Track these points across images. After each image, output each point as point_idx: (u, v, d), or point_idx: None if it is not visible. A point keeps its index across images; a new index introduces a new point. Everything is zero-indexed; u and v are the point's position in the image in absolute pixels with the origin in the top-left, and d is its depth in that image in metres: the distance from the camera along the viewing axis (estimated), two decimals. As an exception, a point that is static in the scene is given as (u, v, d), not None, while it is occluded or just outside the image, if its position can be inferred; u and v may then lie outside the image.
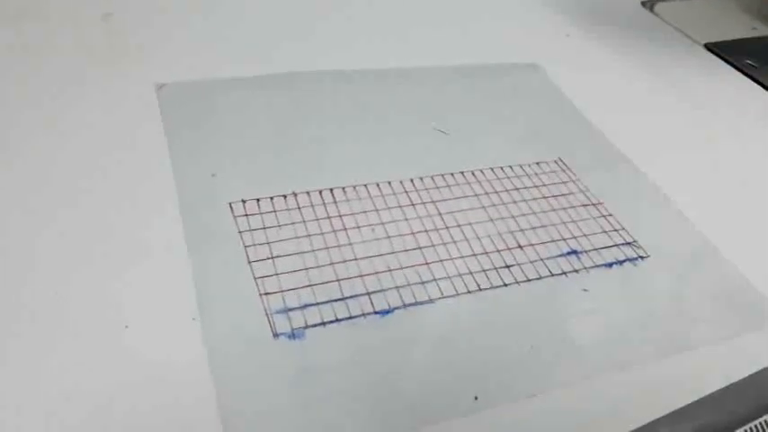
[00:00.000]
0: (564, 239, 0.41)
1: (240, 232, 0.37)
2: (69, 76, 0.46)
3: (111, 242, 0.35)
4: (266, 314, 0.33)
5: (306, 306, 0.34)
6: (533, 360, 0.34)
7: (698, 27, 0.70)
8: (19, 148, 0.40)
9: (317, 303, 0.34)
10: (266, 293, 0.34)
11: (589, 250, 0.40)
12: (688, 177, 0.48)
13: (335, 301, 0.35)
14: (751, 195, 0.48)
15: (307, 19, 0.58)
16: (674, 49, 0.67)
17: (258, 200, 0.39)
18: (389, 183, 0.42)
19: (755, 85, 0.62)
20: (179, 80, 0.47)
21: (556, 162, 0.47)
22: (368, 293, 0.35)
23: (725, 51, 0.67)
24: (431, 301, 0.36)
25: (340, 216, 0.39)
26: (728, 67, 0.65)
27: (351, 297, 0.35)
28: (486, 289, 0.37)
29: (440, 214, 0.41)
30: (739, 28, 0.72)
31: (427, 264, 0.38)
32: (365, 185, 0.42)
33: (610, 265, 0.40)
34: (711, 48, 0.67)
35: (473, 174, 0.44)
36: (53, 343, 0.31)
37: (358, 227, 0.39)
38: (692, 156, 0.51)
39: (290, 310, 0.34)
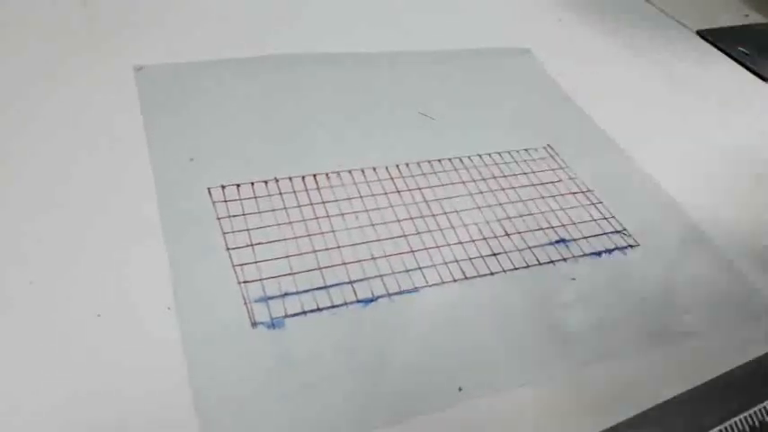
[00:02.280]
0: (552, 228, 0.40)
1: (219, 218, 0.36)
2: (45, 57, 0.45)
3: (84, 228, 0.34)
4: (245, 303, 0.32)
5: (286, 295, 0.33)
6: (520, 350, 0.33)
7: (690, 13, 0.69)
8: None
9: (298, 292, 0.33)
10: (245, 282, 0.33)
11: (578, 239, 0.39)
12: (679, 165, 0.47)
13: (317, 289, 0.34)
14: (743, 183, 0.47)
15: (290, 0, 0.57)
16: (666, 35, 0.66)
17: (238, 185, 0.38)
18: (374, 169, 0.41)
19: (747, 72, 0.61)
20: (158, 62, 0.46)
21: (545, 149, 0.46)
22: (351, 282, 0.34)
23: (717, 38, 0.66)
24: (415, 289, 0.35)
25: (323, 203, 0.38)
26: (720, 54, 0.64)
27: (333, 285, 0.34)
28: (472, 277, 0.36)
29: (425, 201, 0.40)
30: (732, 15, 0.71)
31: (412, 252, 0.37)
32: (349, 171, 0.41)
33: (599, 253, 0.39)
34: (704, 35, 0.66)
35: (460, 160, 0.43)
36: (22, 332, 0.29)
37: (341, 214, 0.38)
38: (684, 143, 0.50)
39: (270, 298, 0.33)
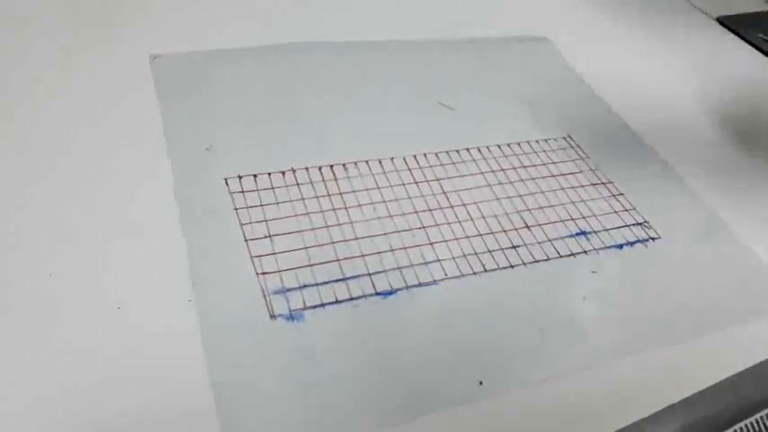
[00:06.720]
0: (573, 219, 0.39)
1: (236, 209, 0.36)
2: (59, 45, 0.44)
3: (101, 220, 0.34)
4: (263, 295, 0.32)
5: (305, 287, 0.33)
6: (541, 344, 0.33)
7: (710, 0, 0.68)
8: (3, 120, 0.38)
9: (317, 284, 0.33)
10: (263, 273, 0.33)
11: (599, 231, 0.39)
12: (700, 155, 0.47)
13: (336, 281, 0.33)
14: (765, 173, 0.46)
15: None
16: (685, 22, 0.65)
17: (255, 176, 0.38)
18: (392, 159, 0.41)
19: (767, 59, 0.60)
20: (174, 51, 0.45)
21: (565, 139, 0.45)
22: (369, 274, 0.34)
23: (737, 25, 0.65)
24: (435, 282, 0.34)
25: (341, 194, 0.38)
26: (740, 41, 0.63)
27: (352, 278, 0.34)
28: (492, 270, 0.35)
29: (444, 193, 0.39)
30: (752, 2, 0.70)
31: (431, 244, 0.36)
32: (367, 162, 0.40)
33: (620, 246, 0.38)
34: (724, 21, 0.65)
35: (479, 150, 0.43)
36: (42, 325, 0.29)
37: (359, 205, 0.37)
38: (704, 132, 0.49)
39: (289, 290, 0.33)
